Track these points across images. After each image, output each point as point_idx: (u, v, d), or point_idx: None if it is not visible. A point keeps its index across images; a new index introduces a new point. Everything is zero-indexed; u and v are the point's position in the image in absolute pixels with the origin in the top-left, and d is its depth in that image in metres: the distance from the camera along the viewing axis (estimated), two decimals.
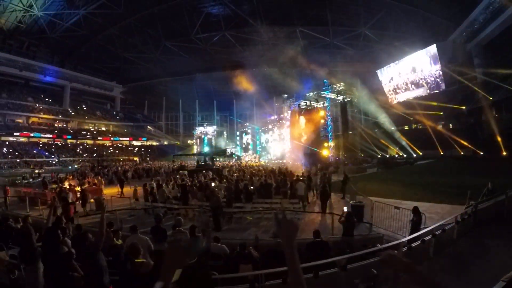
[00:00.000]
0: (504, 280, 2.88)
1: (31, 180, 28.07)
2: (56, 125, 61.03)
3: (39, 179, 24.84)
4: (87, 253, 4.28)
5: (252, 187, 15.35)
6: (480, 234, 7.95)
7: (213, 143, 66.22)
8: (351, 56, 54.00)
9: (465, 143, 37.88)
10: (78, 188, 18.05)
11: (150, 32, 58.86)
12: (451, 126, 42.11)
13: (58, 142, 58.10)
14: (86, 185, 19.31)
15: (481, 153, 35.34)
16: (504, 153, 31.61)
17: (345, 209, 10.22)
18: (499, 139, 33.19)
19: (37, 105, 58.05)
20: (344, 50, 55.68)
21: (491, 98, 38.60)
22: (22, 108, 55.37)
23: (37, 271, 4.46)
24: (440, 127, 46.97)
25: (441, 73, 44.93)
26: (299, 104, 41.23)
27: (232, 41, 59.66)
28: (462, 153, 38.64)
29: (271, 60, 54.86)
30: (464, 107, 42.50)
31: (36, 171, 38.25)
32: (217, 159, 44.23)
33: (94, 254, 4.11)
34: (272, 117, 55.81)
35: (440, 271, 6.10)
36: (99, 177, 23.91)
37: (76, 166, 47.82)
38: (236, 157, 58.04)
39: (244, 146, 63.74)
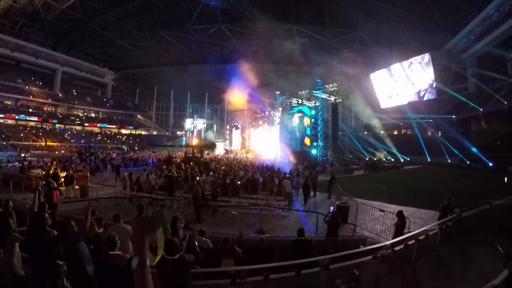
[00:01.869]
0: None
1: (16, 163, 27.68)
2: (45, 109, 60.03)
3: (25, 163, 24.41)
4: (68, 240, 4.19)
5: (239, 182, 15.30)
6: (463, 241, 8.04)
7: (202, 136, 66.08)
8: (346, 57, 54.21)
9: (453, 152, 38.35)
10: (62, 174, 17.79)
11: (146, 20, 58.23)
12: (440, 133, 42.58)
13: (46, 127, 57.21)
14: (71, 172, 19.03)
15: (468, 162, 35.78)
16: (490, 164, 32.04)
17: (331, 208, 10.24)
18: (486, 149, 33.63)
19: (27, 87, 56.96)
20: (340, 51, 55.77)
21: (481, 109, 39.15)
22: (11, 90, 54.25)
23: (14, 254, 4.36)
24: (429, 134, 47.57)
25: (433, 81, 45.40)
26: (290, 102, 41.34)
27: (227, 35, 59.34)
28: (449, 161, 39.11)
29: (265, 56, 54.85)
30: (454, 116, 42.99)
31: (22, 155, 37.72)
32: (206, 152, 44.05)
33: (75, 243, 4.03)
34: (264, 113, 55.83)
35: (420, 275, 6.13)
36: (86, 164, 23.68)
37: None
38: (224, 151, 58.07)
39: (233, 140, 63.74)
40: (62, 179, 16.63)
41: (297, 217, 12.41)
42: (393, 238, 7.54)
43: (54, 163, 23.98)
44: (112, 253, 3.83)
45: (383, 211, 10.09)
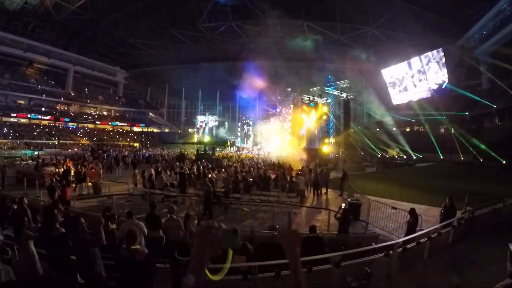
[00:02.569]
0: None
1: (30, 161, 28.17)
2: (57, 107, 60.97)
3: (40, 161, 24.84)
4: (77, 237, 4.28)
5: (251, 179, 15.37)
6: (476, 240, 7.93)
7: (214, 133, 66.30)
8: (357, 53, 53.63)
9: (466, 149, 37.81)
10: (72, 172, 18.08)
11: (156, 18, 58.46)
12: (452, 131, 41.96)
13: (59, 125, 58.11)
14: (84, 169, 19.30)
15: (481, 159, 35.23)
16: (504, 162, 31.50)
17: (343, 205, 10.23)
18: (500, 146, 33.06)
19: (39, 87, 57.89)
20: (351, 47, 55.30)
21: (495, 106, 38.47)
22: (24, 90, 55.24)
23: (29, 252, 4.46)
24: (441, 131, 46.93)
25: (446, 77, 44.73)
26: (302, 99, 41.20)
27: (238, 32, 59.18)
28: (462, 158, 38.56)
29: (276, 53, 54.63)
30: (467, 113, 42.33)
31: (36, 153, 38.35)
32: (218, 149, 44.26)
33: (85, 244, 4.12)
34: (275, 110, 55.73)
35: (433, 273, 6.10)
36: (98, 162, 23.97)
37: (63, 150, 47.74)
38: (236, 148, 58.17)
39: (244, 137, 63.78)
40: (75, 177, 16.89)
41: (309, 214, 12.41)
42: (405, 236, 7.50)
43: (67, 161, 24.30)
44: (133, 248, 3.90)
45: (395, 208, 10.04)
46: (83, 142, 55.46)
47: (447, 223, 7.75)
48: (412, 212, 8.39)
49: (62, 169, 18.08)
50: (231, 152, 48.73)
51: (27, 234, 4.57)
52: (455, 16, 43.51)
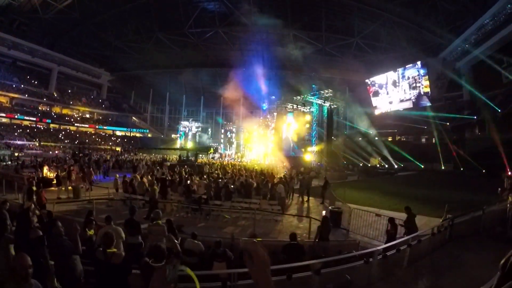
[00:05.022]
0: None
1: (9, 162, 27.50)
2: (40, 108, 59.75)
3: (19, 162, 24.30)
4: (54, 242, 4.18)
5: (232, 186, 15.32)
6: (455, 247, 8.06)
7: (197, 139, 66.01)
8: (342, 63, 54.30)
9: (447, 158, 38.59)
10: (53, 175, 17.74)
11: (144, 22, 58.15)
12: (433, 140, 42.77)
13: (41, 126, 56.90)
14: (64, 173, 18.90)
15: (462, 169, 35.97)
16: (484, 171, 32.20)
17: (324, 213, 10.28)
18: (480, 156, 33.77)
19: (22, 86, 56.64)
20: (335, 57, 56.04)
21: (475, 117, 39.46)
22: (6, 88, 53.95)
23: (9, 255, 4.36)
24: (423, 141, 47.85)
25: (428, 88, 45.68)
26: (285, 107, 41.46)
27: (224, 39, 59.26)
28: (443, 167, 39.31)
29: (261, 61, 54.93)
30: (448, 123, 43.25)
31: (16, 154, 37.46)
32: (200, 155, 44.07)
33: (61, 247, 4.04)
34: (259, 118, 55.84)
35: (413, 280, 6.15)
36: (79, 165, 23.50)
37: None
38: (219, 154, 58.04)
39: (227, 144, 63.68)
40: (54, 180, 16.56)
41: (290, 222, 12.42)
42: (386, 243, 7.54)
43: (46, 163, 23.76)
44: (109, 251, 3.82)
45: (379, 215, 10.13)
46: (63, 145, 54.35)
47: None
48: (392, 221, 8.45)
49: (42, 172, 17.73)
50: (213, 159, 48.61)
51: (8, 237, 4.45)
52: (439, 29, 44.57)
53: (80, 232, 4.87)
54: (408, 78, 48.41)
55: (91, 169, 20.67)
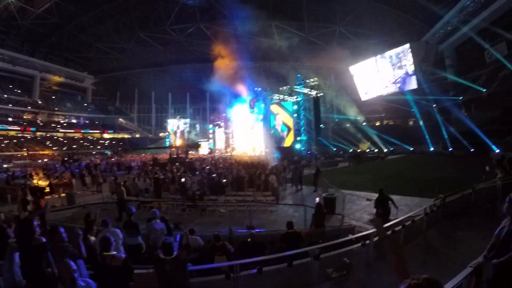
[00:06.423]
0: (472, 266, 3.03)
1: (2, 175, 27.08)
2: (25, 117, 58.59)
3: (9, 174, 23.99)
4: (57, 248, 4.21)
5: (225, 180, 15.40)
6: (448, 225, 8.25)
7: (186, 136, 65.73)
8: (326, 52, 54.42)
9: (436, 139, 39.16)
10: (45, 183, 17.59)
11: (123, 21, 57.50)
12: (421, 123, 43.29)
13: (27, 135, 55.95)
14: (56, 180, 18.76)
15: (450, 149, 36.50)
16: (472, 150, 32.71)
17: (317, 199, 10.40)
18: (467, 135, 34.24)
19: (5, 96, 55.52)
20: (319, 45, 56.16)
21: (460, 98, 40.01)
22: None
23: (12, 266, 4.36)
24: (411, 123, 48.43)
25: (413, 72, 46.04)
26: (272, 98, 41.52)
27: (207, 34, 59.01)
28: (432, 148, 39.87)
29: (245, 53, 54.71)
30: (434, 105, 43.77)
31: (5, 166, 36.85)
32: (190, 152, 43.98)
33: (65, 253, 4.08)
34: (246, 110, 55.71)
35: (409, 259, 6.30)
36: (70, 172, 23.30)
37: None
38: (209, 149, 57.97)
39: (217, 138, 63.46)
40: (47, 188, 16.43)
41: (285, 211, 12.55)
42: None
43: (35, 172, 23.45)
44: (107, 254, 3.85)
45: (370, 200, 10.29)
46: (51, 152, 53.56)
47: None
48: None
49: (34, 182, 17.60)
50: (204, 155, 48.51)
51: (12, 245, 4.47)
52: (421, 13, 44.91)
53: (82, 238, 4.91)
54: (392, 63, 48.60)
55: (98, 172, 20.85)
